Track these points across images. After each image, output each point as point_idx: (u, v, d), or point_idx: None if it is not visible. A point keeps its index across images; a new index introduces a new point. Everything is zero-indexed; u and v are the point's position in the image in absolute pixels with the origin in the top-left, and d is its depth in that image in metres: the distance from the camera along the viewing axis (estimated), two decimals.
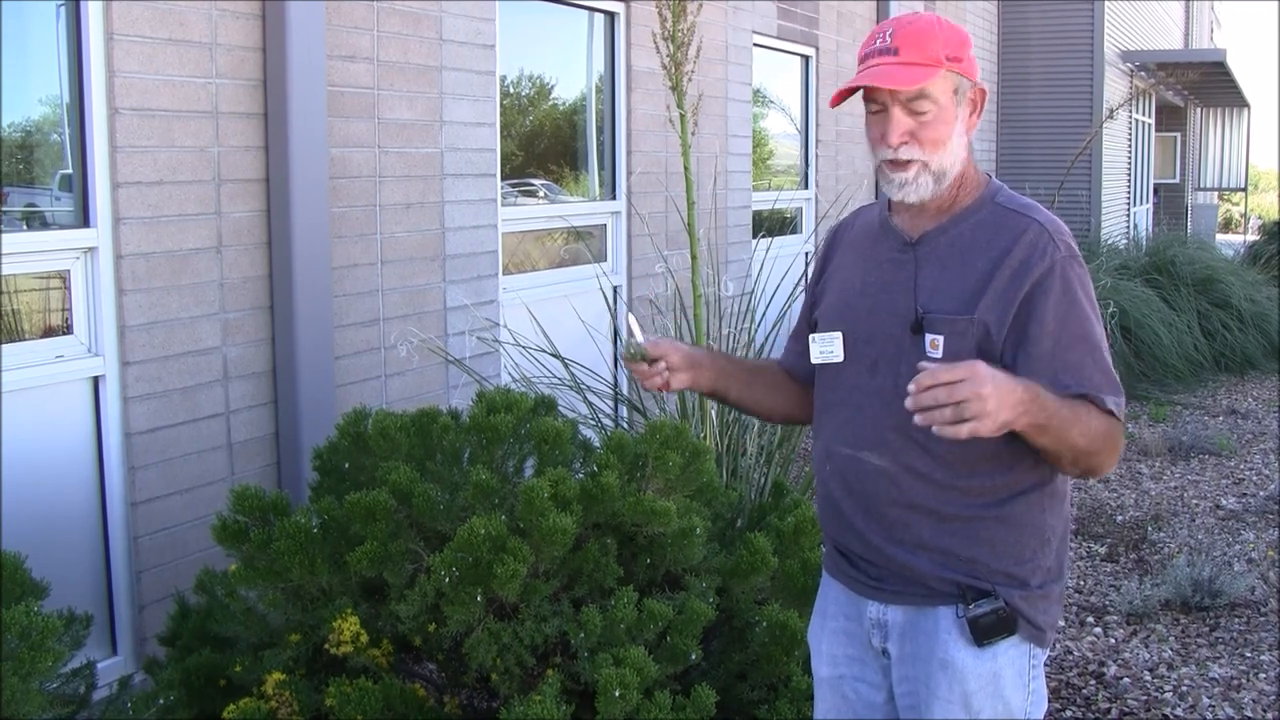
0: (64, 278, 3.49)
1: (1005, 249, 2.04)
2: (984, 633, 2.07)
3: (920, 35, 2.04)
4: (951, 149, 2.07)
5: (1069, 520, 2.20)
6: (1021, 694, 2.12)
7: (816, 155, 8.62)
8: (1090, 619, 4.86)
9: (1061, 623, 4.72)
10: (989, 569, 2.09)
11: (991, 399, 1.79)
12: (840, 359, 2.19)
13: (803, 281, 6.21)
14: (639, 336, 2.22)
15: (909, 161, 2.07)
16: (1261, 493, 6.69)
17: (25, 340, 3.40)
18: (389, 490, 2.77)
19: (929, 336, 2.06)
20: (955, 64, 2.04)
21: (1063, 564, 2.18)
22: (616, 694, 2.51)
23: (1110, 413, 2.01)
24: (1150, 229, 16.68)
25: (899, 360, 2.09)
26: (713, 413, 4.55)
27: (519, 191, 5.65)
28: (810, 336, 2.25)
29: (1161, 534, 5.96)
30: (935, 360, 2.01)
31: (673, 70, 4.33)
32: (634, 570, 2.89)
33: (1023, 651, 2.11)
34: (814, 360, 2.24)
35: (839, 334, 2.19)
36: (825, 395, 2.25)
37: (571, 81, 6.01)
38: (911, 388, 1.80)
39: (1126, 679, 4.31)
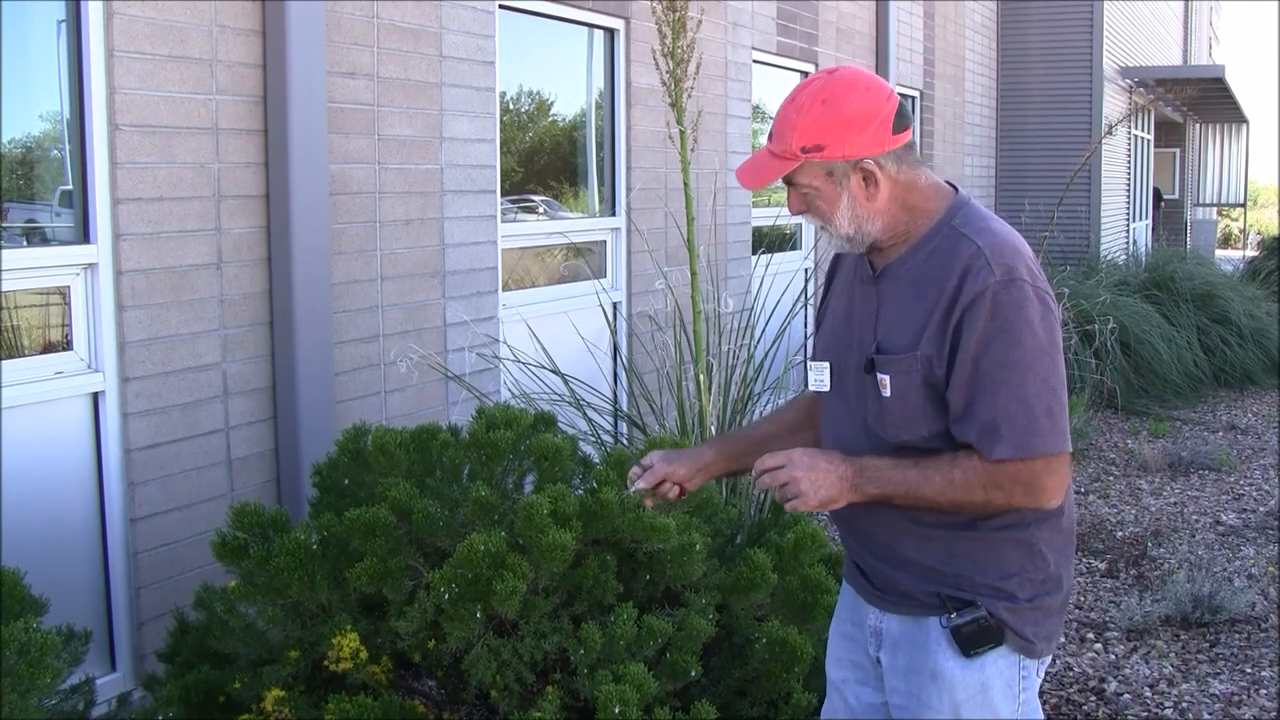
0: (64, 293, 3.50)
1: (948, 277, 2.03)
2: (968, 642, 2.09)
3: (785, 125, 2.06)
4: (846, 219, 2.09)
5: (1069, 531, 2.19)
6: (1011, 704, 2.13)
7: None
8: (1090, 635, 4.85)
9: (1062, 638, 4.71)
10: (973, 582, 2.10)
11: (805, 481, 2.03)
12: (828, 389, 2.24)
13: (802, 298, 6.22)
14: (633, 487, 2.40)
15: (821, 226, 2.14)
16: (1261, 508, 6.68)
17: (25, 356, 3.40)
18: (389, 506, 2.77)
19: (879, 376, 2.09)
20: (815, 153, 2.04)
21: (1062, 575, 2.16)
22: (616, 710, 2.50)
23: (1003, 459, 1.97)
24: (1149, 244, 16.70)
25: (864, 395, 2.14)
26: (712, 429, 4.55)
27: (519, 208, 5.66)
28: (807, 364, 2.31)
29: (1161, 550, 5.95)
30: (885, 399, 2.07)
31: (672, 87, 4.35)
32: (634, 586, 2.89)
33: (1012, 662, 2.12)
34: (810, 387, 2.30)
35: (827, 364, 2.23)
36: (821, 417, 2.32)
37: (571, 98, 6.03)
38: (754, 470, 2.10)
39: (1127, 695, 4.30)
